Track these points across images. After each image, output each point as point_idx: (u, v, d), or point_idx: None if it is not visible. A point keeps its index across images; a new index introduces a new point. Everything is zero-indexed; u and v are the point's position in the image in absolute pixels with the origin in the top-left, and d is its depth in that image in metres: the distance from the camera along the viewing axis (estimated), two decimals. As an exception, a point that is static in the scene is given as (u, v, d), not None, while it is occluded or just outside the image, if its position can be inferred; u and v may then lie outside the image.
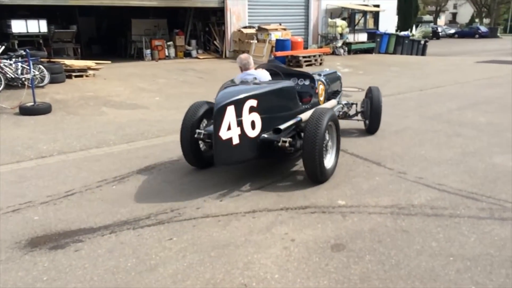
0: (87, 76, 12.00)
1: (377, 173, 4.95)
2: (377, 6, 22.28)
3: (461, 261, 3.10)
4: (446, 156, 5.53)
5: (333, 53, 19.17)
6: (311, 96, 5.69)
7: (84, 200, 4.26)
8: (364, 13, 21.92)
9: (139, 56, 17.52)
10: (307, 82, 5.84)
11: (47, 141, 6.33)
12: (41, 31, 13.16)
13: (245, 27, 17.74)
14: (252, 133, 4.43)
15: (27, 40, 13.18)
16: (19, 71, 9.96)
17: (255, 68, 5.51)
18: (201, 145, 5.05)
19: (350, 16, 21.50)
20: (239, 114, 4.23)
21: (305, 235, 3.50)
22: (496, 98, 9.52)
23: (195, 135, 4.76)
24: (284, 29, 17.24)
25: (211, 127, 4.42)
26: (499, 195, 4.26)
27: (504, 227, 3.58)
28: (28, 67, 9.65)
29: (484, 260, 3.10)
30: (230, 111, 4.15)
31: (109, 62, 13.66)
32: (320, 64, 15.88)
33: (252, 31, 17.25)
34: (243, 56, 5.53)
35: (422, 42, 22.17)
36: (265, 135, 4.56)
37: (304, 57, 15.69)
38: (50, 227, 3.68)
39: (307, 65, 15.42)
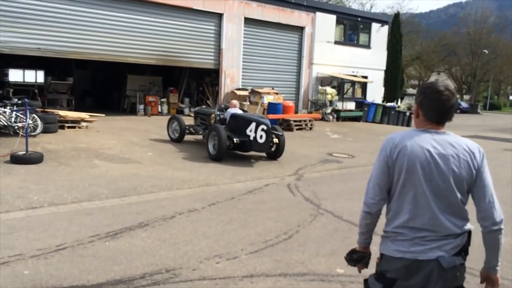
0: (80, 127, 12.01)
1: (374, 242, 4.92)
2: (365, 77, 23.22)
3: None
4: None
5: (322, 119, 19.64)
6: None
7: (76, 255, 4.13)
8: (353, 83, 22.79)
9: (132, 111, 17.70)
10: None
11: (38, 192, 6.21)
12: (38, 81, 13.28)
13: (238, 89, 18.21)
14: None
15: (22, 89, 13.27)
16: (13, 119, 9.95)
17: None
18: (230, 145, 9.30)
19: (339, 85, 22.31)
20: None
21: (305, 304, 3.42)
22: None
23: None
24: (276, 93, 17.74)
25: (240, 137, 9.26)
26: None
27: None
28: (22, 116, 9.66)
29: None
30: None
31: (103, 115, 13.75)
32: (310, 129, 16.22)
33: (245, 93, 17.69)
34: (236, 101, 11.15)
35: (407, 113, 22.89)
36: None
37: (295, 121, 16.03)
38: (41, 282, 3.53)
39: (297, 129, 15.73)
